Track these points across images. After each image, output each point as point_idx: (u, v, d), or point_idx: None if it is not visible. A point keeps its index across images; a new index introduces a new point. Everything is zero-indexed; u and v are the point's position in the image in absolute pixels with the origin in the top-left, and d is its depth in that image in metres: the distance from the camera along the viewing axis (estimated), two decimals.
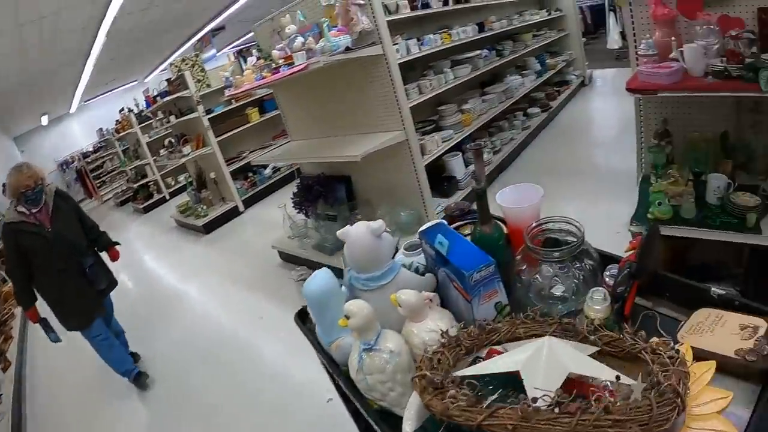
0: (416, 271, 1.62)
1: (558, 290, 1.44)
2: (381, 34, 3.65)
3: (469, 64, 5.26)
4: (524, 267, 1.48)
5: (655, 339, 1.15)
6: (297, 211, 5.06)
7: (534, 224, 1.54)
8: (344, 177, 4.73)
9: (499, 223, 1.63)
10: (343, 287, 1.60)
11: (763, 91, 2.13)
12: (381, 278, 1.48)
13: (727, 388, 1.08)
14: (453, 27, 5.31)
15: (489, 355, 1.25)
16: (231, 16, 9.62)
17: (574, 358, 1.13)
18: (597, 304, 1.33)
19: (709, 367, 1.13)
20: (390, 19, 3.89)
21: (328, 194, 4.64)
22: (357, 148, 3.72)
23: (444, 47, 4.88)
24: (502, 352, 1.24)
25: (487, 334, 1.29)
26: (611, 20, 10.36)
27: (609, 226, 2.89)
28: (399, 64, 3.86)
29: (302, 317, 1.83)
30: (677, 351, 1.08)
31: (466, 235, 1.71)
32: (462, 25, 5.44)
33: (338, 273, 1.59)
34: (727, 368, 1.18)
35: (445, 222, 1.71)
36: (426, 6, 4.69)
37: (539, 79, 7.24)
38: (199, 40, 10.83)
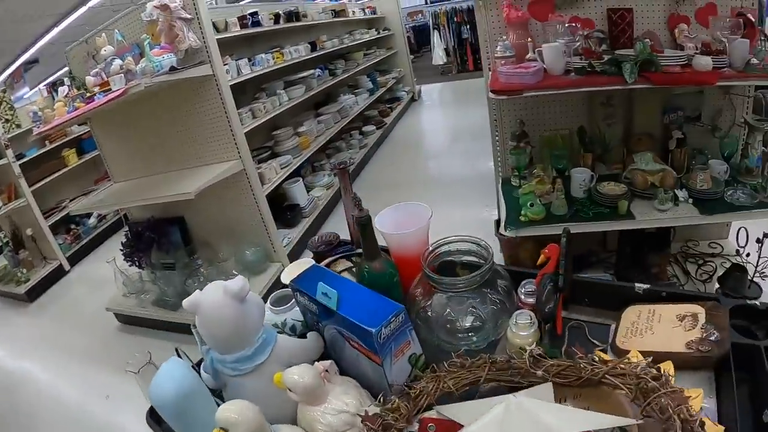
0: (293, 331, 1.30)
1: (468, 321, 1.25)
2: (210, 52, 3.24)
3: (303, 85, 5.05)
4: (424, 301, 1.25)
5: (614, 360, 0.99)
6: (129, 263, 4.24)
7: (430, 249, 1.30)
8: (178, 218, 4.15)
9: (386, 256, 1.33)
10: (203, 370, 1.19)
11: (627, 82, 2.24)
12: (255, 356, 1.10)
13: (683, 384, 0.96)
14: (285, 46, 5.08)
15: (423, 428, 0.95)
16: (44, 48, 8.47)
17: (559, 417, 0.88)
18: (523, 329, 1.19)
19: (667, 369, 1.01)
20: (219, 37, 3.52)
21: (162, 240, 4.00)
22: (190, 183, 3.23)
23: (276, 67, 4.61)
24: (437, 418, 0.97)
25: (414, 399, 1.00)
26: (435, 38, 10.79)
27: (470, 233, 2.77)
28: (230, 86, 3.47)
29: (158, 417, 1.18)
30: (658, 369, 0.90)
31: (341, 273, 1.44)
32: (294, 44, 5.26)
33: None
34: (682, 364, 1.13)
35: (318, 264, 1.38)
36: (257, 24, 4.42)
37: (372, 96, 7.32)
38: (9, 76, 9.50)
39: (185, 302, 1.10)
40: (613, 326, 1.35)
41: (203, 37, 3.20)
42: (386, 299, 1.09)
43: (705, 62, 2.32)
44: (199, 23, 3.17)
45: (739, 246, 2.64)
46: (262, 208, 3.72)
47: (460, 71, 11.73)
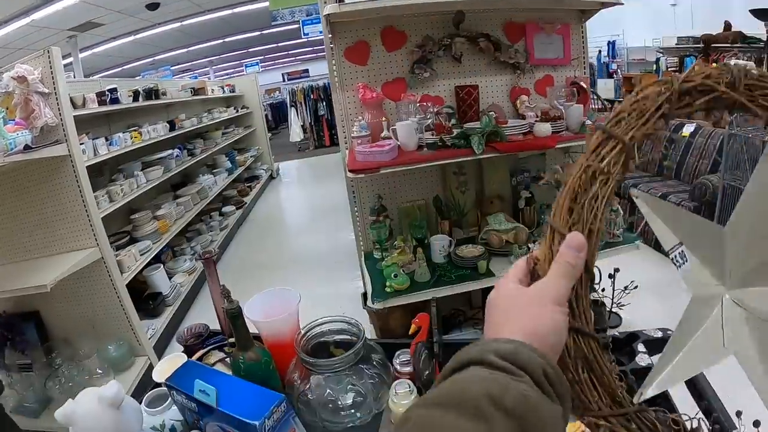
0: None
1: (349, 398, 1.23)
2: (67, 130, 3.01)
3: (161, 165, 4.84)
4: (303, 385, 1.23)
5: None
6: None
7: (302, 333, 1.30)
8: (32, 313, 3.72)
9: (260, 344, 1.31)
10: None
11: (476, 153, 2.42)
12: None
13: None
14: (143, 125, 4.87)
15: None
16: None
17: None
18: (404, 398, 1.20)
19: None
20: (77, 114, 3.30)
21: (16, 338, 3.59)
22: (45, 274, 2.92)
23: (134, 147, 4.38)
24: None
25: None
26: (292, 115, 10.93)
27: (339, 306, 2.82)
28: (87, 167, 3.24)
29: None
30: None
31: (214, 365, 1.40)
32: (152, 123, 5.06)
33: None
34: None
35: (192, 360, 1.33)
36: (115, 101, 4.18)
37: (230, 176, 7.21)
38: None
39: (58, 415, 1.03)
40: None
41: (60, 114, 2.98)
42: (265, 390, 1.07)
43: (545, 129, 2.58)
44: (56, 98, 2.96)
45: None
46: (123, 298, 3.47)
47: (317, 147, 11.94)
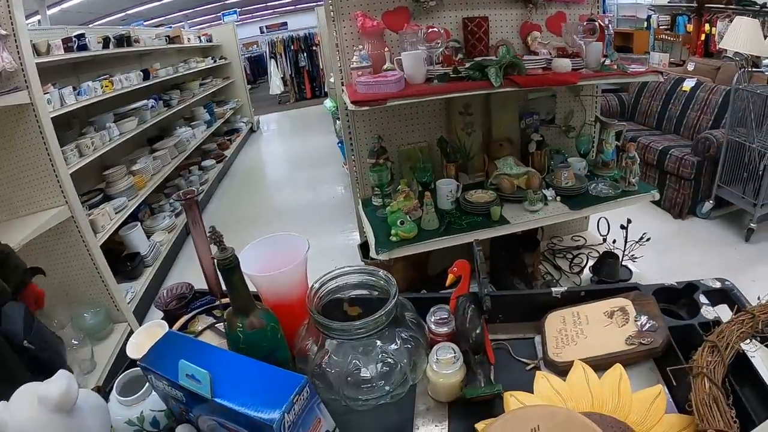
0: (155, 427, 0.96)
1: (377, 368, 0.99)
2: (28, 77, 2.70)
3: (135, 117, 4.48)
4: (319, 355, 0.99)
5: None
6: None
7: (316, 287, 1.04)
8: None
9: (263, 305, 1.04)
10: None
11: (494, 86, 2.19)
12: None
13: (634, 383, 1.00)
14: (115, 74, 4.50)
15: None
16: None
17: None
18: (447, 366, 1.04)
19: (618, 372, 1.02)
20: (40, 61, 2.96)
21: None
22: (9, 236, 2.61)
23: (105, 97, 4.03)
24: None
25: None
26: (272, 67, 10.60)
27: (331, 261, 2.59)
28: (52, 118, 2.93)
29: None
30: None
31: (201, 334, 1.16)
32: (125, 72, 4.68)
33: None
34: (627, 361, 1.08)
35: (174, 331, 1.04)
36: (83, 48, 3.82)
37: (209, 129, 6.89)
38: None
39: None
40: (537, 339, 1.24)
41: (20, 59, 2.66)
42: (281, 371, 0.81)
43: (565, 64, 2.39)
44: (15, 41, 2.65)
45: (601, 235, 2.86)
46: (97, 260, 3.21)
47: (298, 100, 11.62)
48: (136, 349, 1.07)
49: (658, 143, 4.37)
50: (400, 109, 2.69)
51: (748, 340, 0.96)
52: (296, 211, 5.36)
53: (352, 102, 2.19)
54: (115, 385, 0.99)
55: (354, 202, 3.00)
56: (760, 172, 3.64)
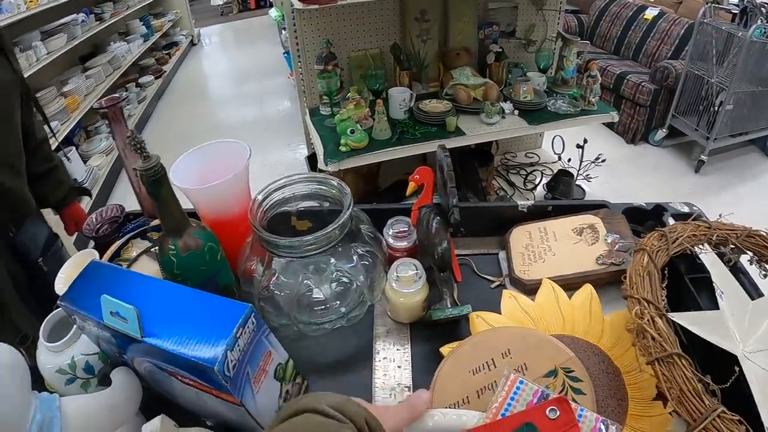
0: (90, 373, 0.81)
1: (331, 288, 0.92)
2: None
3: (64, 33, 4.11)
4: (266, 276, 0.87)
5: None
6: None
7: (260, 199, 0.89)
8: None
9: (199, 223, 0.89)
10: None
11: None
12: None
13: (605, 305, 0.95)
14: None
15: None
16: None
17: None
18: (408, 284, 0.94)
19: (589, 293, 0.97)
20: None
21: None
22: None
23: (30, 13, 3.63)
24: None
25: None
26: None
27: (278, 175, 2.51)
28: None
29: None
30: None
31: (136, 260, 1.03)
32: None
33: None
34: (597, 282, 1.01)
35: (97, 261, 0.84)
36: None
37: (146, 43, 6.44)
38: None
39: None
40: (501, 255, 1.17)
41: None
42: (221, 300, 0.67)
43: None
44: None
45: (556, 153, 2.85)
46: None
47: (241, 10, 11.07)
48: (65, 284, 0.91)
49: (616, 67, 4.33)
50: (352, 11, 2.52)
51: (701, 246, 0.92)
52: (241, 127, 5.18)
53: (300, 0, 2.01)
54: (41, 329, 0.83)
55: (301, 111, 2.84)
56: (716, 107, 3.67)
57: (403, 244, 1.03)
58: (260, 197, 0.89)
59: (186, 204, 0.86)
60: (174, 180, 0.84)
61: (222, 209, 0.96)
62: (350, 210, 0.83)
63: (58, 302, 0.73)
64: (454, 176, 0.97)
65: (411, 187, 1.04)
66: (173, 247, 0.81)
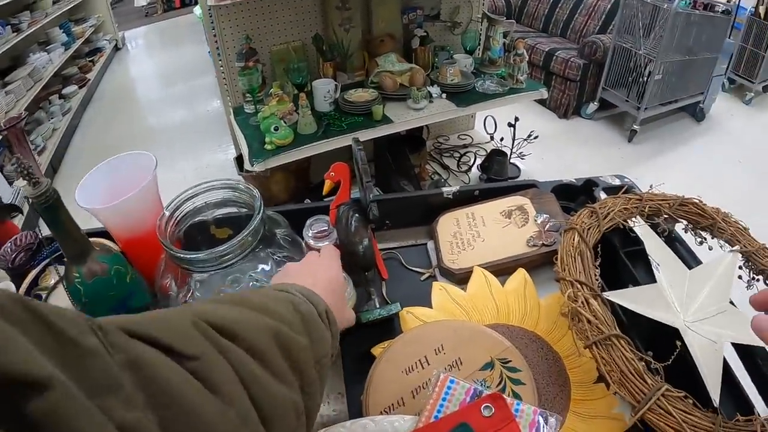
0: None
1: None
2: None
3: None
4: (183, 293, 0.82)
5: None
6: None
7: (168, 213, 0.82)
8: None
9: (107, 243, 0.87)
10: None
11: None
12: None
13: (540, 288, 0.95)
14: None
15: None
16: None
17: None
18: None
19: (522, 277, 0.97)
20: None
21: None
22: None
23: None
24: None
25: None
26: None
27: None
28: None
29: None
30: None
31: (54, 290, 0.98)
32: None
33: None
34: (530, 264, 1.01)
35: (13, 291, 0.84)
36: None
37: (68, 51, 6.14)
38: None
39: None
40: (430, 244, 1.15)
41: None
42: None
43: None
44: None
45: (488, 133, 2.84)
46: None
47: (166, 10, 10.76)
48: None
49: (545, 45, 4.38)
50: (270, 3, 2.46)
51: (634, 219, 0.92)
52: (171, 130, 5.05)
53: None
54: None
55: (225, 111, 2.77)
56: (645, 78, 3.77)
57: (324, 243, 0.98)
58: (168, 212, 0.83)
59: (98, 224, 0.83)
60: (80, 200, 0.80)
61: (133, 226, 0.90)
62: (261, 214, 0.79)
63: None
64: (369, 170, 0.93)
65: (327, 185, 0.99)
66: (78, 275, 0.77)
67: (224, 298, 0.55)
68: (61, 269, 1.00)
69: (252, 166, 2.12)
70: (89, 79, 6.37)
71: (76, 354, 0.30)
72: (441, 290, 0.96)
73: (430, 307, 0.94)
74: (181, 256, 0.74)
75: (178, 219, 0.84)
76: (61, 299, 0.89)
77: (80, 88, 6.03)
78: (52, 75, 5.45)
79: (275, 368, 0.47)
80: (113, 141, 5.12)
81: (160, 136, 4.97)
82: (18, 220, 3.23)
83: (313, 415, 0.53)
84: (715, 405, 0.68)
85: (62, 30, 6.30)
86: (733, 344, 0.78)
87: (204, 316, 0.45)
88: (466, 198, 1.16)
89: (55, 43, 5.98)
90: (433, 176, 2.89)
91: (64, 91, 5.75)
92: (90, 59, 6.92)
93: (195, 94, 5.65)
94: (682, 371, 0.70)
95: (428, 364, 0.77)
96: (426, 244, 1.14)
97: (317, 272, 0.72)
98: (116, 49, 7.98)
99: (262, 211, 0.79)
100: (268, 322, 0.50)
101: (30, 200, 0.68)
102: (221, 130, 4.43)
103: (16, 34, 4.85)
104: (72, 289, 0.77)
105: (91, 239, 0.83)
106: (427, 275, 1.05)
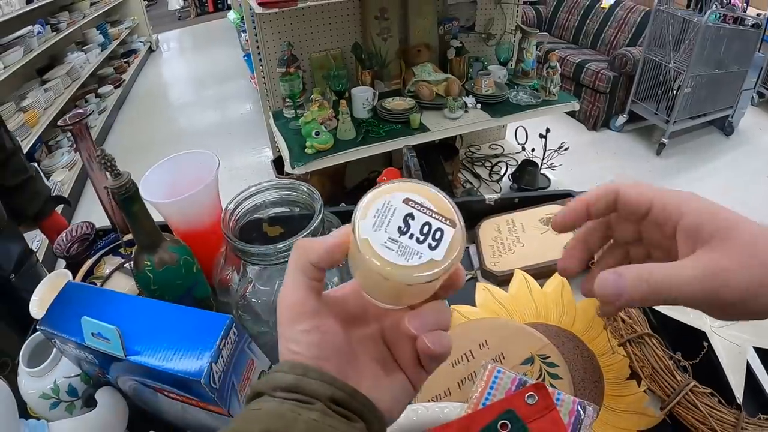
0: (73, 395, 0.80)
1: None
2: None
3: (20, 46, 4.00)
4: (242, 285, 0.87)
5: None
6: None
7: (232, 208, 0.86)
8: None
9: (173, 237, 0.89)
10: None
11: None
12: None
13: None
14: None
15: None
16: None
17: None
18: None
19: (560, 281, 0.99)
20: None
21: None
22: None
23: None
24: None
25: None
26: None
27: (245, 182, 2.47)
28: None
29: None
30: None
31: (110, 278, 1.01)
32: None
33: None
34: None
35: (73, 282, 0.85)
36: None
37: (104, 52, 6.27)
38: None
39: None
40: (472, 248, 1.18)
41: None
42: (202, 313, 0.67)
43: None
44: None
45: (519, 144, 2.83)
46: None
47: (199, 14, 10.89)
48: (40, 307, 0.90)
49: (575, 56, 4.40)
50: (312, 12, 2.51)
51: None
52: (204, 132, 5.12)
53: (259, 3, 2.02)
54: (20, 354, 0.81)
55: (264, 115, 2.82)
56: (675, 91, 3.77)
57: None
58: (231, 206, 0.87)
59: (158, 217, 0.85)
60: (144, 194, 0.82)
61: (194, 221, 0.94)
62: (322, 215, 0.82)
63: (37, 327, 0.72)
64: (421, 176, 0.98)
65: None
66: (149, 263, 0.80)
67: None
68: (115, 260, 1.07)
69: (293, 168, 2.17)
70: (124, 80, 6.51)
71: None
72: (484, 290, 1.01)
73: (474, 305, 0.99)
74: (245, 249, 0.78)
75: (238, 215, 0.88)
76: (115, 288, 0.96)
77: (116, 88, 6.17)
78: (89, 75, 5.57)
79: None
80: (147, 141, 5.22)
81: (193, 137, 5.05)
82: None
83: None
84: (738, 402, 0.72)
85: (99, 31, 6.42)
86: (756, 348, 0.81)
87: None
88: (506, 205, 1.21)
89: (92, 44, 6.09)
90: (465, 185, 2.92)
91: (100, 91, 5.88)
92: (125, 60, 7.05)
93: (227, 97, 5.72)
94: (707, 371, 0.75)
95: (473, 358, 0.82)
96: (468, 247, 1.18)
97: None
98: (150, 51, 8.12)
99: (322, 211, 0.83)
100: None
101: (110, 191, 0.73)
102: (255, 133, 4.50)
103: (55, 33, 4.94)
104: (141, 276, 0.81)
105: None
106: (470, 276, 1.10)
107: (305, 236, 0.79)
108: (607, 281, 0.41)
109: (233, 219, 0.87)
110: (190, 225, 0.94)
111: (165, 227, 0.93)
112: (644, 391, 0.77)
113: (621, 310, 0.77)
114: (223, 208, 0.87)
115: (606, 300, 0.41)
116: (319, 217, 0.81)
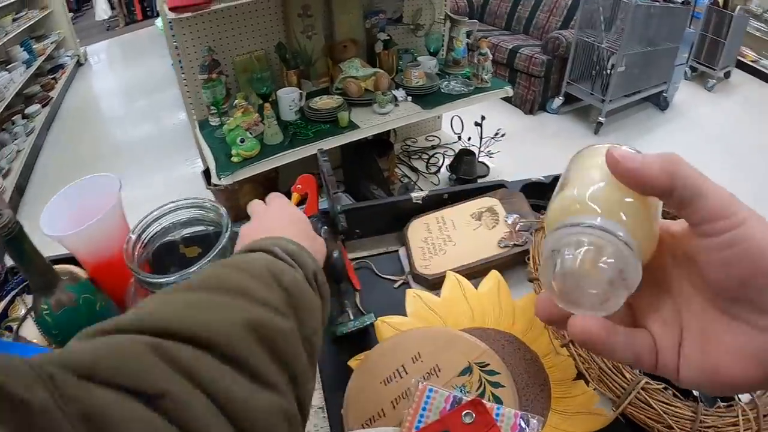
0: None
1: None
2: None
3: None
4: None
5: None
6: None
7: (134, 238, 0.79)
8: None
9: (75, 270, 0.85)
10: None
11: None
12: None
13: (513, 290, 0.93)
14: None
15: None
16: None
17: None
18: None
19: (496, 280, 0.95)
20: None
21: None
22: None
23: None
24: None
25: None
26: None
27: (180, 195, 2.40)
28: None
29: None
30: None
31: (24, 322, 0.92)
32: None
33: None
34: (503, 266, 0.99)
35: None
36: None
37: (30, 69, 6.01)
38: None
39: None
40: (401, 251, 1.13)
41: None
42: None
43: None
44: None
45: (456, 133, 2.89)
46: None
47: (128, 23, 10.61)
48: None
49: (508, 42, 4.41)
50: (231, 13, 2.41)
51: None
52: (139, 145, 4.98)
53: (170, 9, 1.94)
54: None
55: (190, 125, 2.73)
56: (608, 71, 3.83)
57: None
58: (134, 235, 0.81)
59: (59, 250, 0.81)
60: (45, 227, 0.78)
61: (102, 250, 0.88)
62: (228, 233, 0.77)
63: None
64: (335, 180, 0.92)
65: (294, 198, 0.97)
66: (46, 307, 0.75)
67: (198, 282, 0.49)
68: (29, 299, 0.98)
69: (219, 179, 2.09)
70: (52, 98, 6.25)
71: (24, 416, 0.28)
72: (415, 297, 0.96)
73: (405, 315, 0.93)
74: (150, 280, 0.73)
75: (145, 241, 0.82)
76: (32, 330, 0.88)
77: (43, 107, 5.90)
78: (15, 95, 5.35)
79: (256, 371, 0.41)
80: (80, 160, 5.03)
81: (127, 152, 4.90)
82: None
83: (306, 405, 0.48)
84: (695, 394, 0.69)
85: (23, 48, 6.18)
86: None
87: (167, 327, 0.40)
88: (435, 202, 1.16)
89: (17, 62, 5.86)
90: (402, 179, 2.89)
91: (27, 111, 5.62)
92: (52, 76, 6.79)
93: (160, 107, 5.59)
94: None
95: (406, 373, 0.77)
96: (398, 251, 1.13)
97: (279, 217, 0.71)
98: (79, 65, 7.85)
99: (230, 229, 0.78)
100: (245, 315, 0.44)
101: None
102: (188, 143, 4.39)
103: None
104: (41, 321, 0.76)
105: (57, 266, 0.82)
106: (400, 282, 1.05)
107: (213, 258, 0.74)
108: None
109: (139, 247, 0.80)
110: (99, 255, 0.88)
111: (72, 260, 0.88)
112: (593, 390, 0.74)
113: None
114: (126, 239, 0.80)
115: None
116: (226, 236, 0.76)
